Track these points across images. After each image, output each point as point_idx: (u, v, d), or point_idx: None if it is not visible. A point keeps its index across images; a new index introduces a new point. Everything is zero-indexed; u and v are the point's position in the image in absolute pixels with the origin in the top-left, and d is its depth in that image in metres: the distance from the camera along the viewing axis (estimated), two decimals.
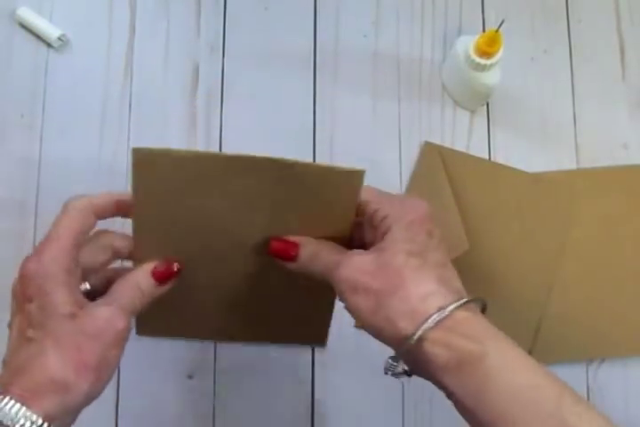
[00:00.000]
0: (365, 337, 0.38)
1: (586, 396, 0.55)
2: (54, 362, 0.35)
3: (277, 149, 0.58)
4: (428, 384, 0.39)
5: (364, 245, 0.40)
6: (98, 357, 0.37)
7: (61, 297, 0.37)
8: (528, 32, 0.62)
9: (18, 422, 0.33)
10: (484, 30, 0.61)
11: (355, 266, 0.37)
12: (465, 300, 0.36)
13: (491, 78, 0.56)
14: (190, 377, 0.54)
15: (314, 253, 0.40)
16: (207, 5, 0.61)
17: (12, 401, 0.34)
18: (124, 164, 0.57)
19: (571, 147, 0.60)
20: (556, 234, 0.57)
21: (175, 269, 0.41)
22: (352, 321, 0.45)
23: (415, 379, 0.40)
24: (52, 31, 0.58)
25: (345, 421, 0.54)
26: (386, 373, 0.39)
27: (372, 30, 0.61)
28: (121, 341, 0.38)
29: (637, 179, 0.59)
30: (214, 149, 0.58)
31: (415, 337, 0.35)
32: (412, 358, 0.38)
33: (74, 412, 0.37)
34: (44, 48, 0.59)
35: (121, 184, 0.57)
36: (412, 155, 0.59)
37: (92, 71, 0.59)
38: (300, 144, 0.58)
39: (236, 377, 0.55)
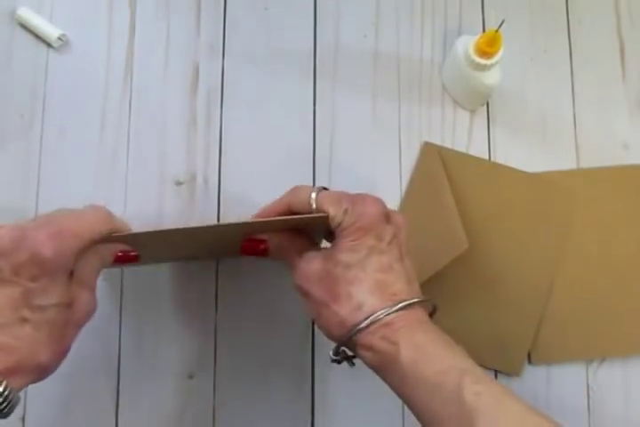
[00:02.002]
0: None
1: (586, 396, 0.56)
2: (44, 352, 0.38)
3: (277, 149, 0.58)
4: None
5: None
6: (73, 340, 0.40)
7: (65, 287, 0.39)
8: (528, 32, 0.62)
9: None
10: (484, 30, 0.61)
11: (304, 273, 0.42)
12: (393, 309, 0.39)
13: (491, 78, 0.56)
14: (190, 377, 0.54)
15: (279, 245, 0.44)
16: (207, 5, 0.61)
17: None
18: (124, 164, 0.57)
19: (571, 147, 0.60)
20: (556, 234, 0.57)
21: (134, 254, 0.45)
22: None
23: None
24: (52, 31, 0.58)
25: (345, 421, 0.54)
26: (332, 362, 0.43)
27: (372, 30, 0.61)
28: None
29: (637, 179, 0.59)
30: (214, 148, 0.58)
31: (340, 342, 0.40)
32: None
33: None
34: (44, 48, 0.59)
35: (120, 184, 0.57)
36: (412, 155, 0.59)
37: (91, 71, 0.59)
38: (300, 144, 0.58)
39: (236, 377, 0.55)
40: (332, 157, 0.58)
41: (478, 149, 0.59)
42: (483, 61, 0.54)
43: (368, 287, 0.40)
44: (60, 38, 0.58)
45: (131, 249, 0.44)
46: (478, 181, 0.58)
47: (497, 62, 0.54)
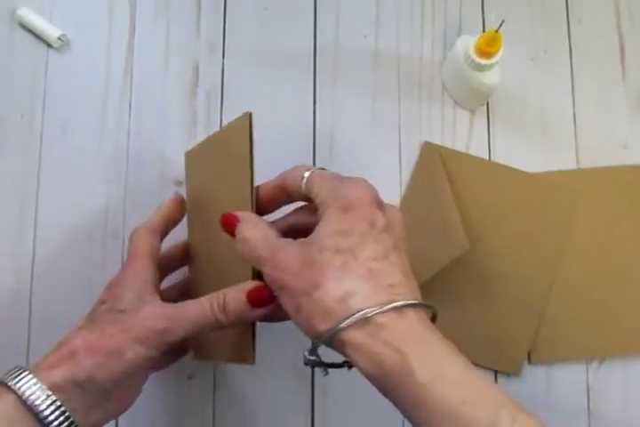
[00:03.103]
0: None
1: (586, 396, 0.56)
2: (77, 340, 0.39)
3: (277, 149, 0.58)
4: None
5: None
6: (113, 346, 0.38)
7: (126, 298, 0.40)
8: (528, 32, 0.62)
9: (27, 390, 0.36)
10: (484, 30, 0.61)
11: (278, 265, 0.36)
12: (392, 306, 0.33)
13: (491, 78, 0.56)
14: (190, 377, 0.54)
15: (244, 238, 0.38)
16: (207, 5, 0.61)
17: (26, 373, 0.37)
18: (124, 164, 0.57)
19: (571, 147, 0.60)
20: (556, 234, 0.57)
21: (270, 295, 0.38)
22: None
23: None
24: (51, 31, 0.58)
25: (345, 421, 0.54)
26: (305, 364, 0.37)
27: (372, 30, 0.61)
28: (150, 341, 0.38)
29: (637, 179, 0.59)
30: None
31: (322, 339, 0.34)
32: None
33: (81, 387, 0.38)
34: (43, 48, 0.59)
35: (120, 184, 0.57)
36: (411, 155, 0.59)
37: (91, 71, 0.59)
38: (300, 144, 0.58)
39: (236, 377, 0.55)
40: (332, 157, 0.58)
41: (478, 149, 0.59)
42: (483, 61, 0.54)
43: (360, 275, 0.34)
44: (59, 38, 0.58)
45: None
46: (478, 180, 0.58)
47: (497, 62, 0.54)
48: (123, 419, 0.54)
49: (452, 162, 0.58)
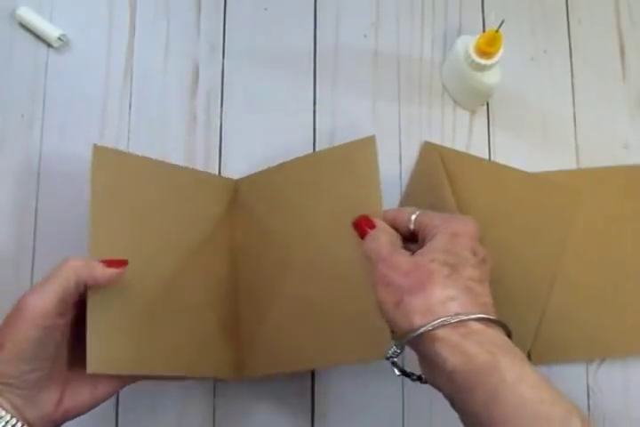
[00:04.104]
0: None
1: (586, 396, 0.56)
2: None
3: (277, 149, 0.58)
4: (428, 390, 0.40)
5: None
6: (10, 339, 0.39)
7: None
8: (528, 32, 0.62)
9: None
10: (484, 30, 0.61)
11: (392, 264, 0.41)
12: (486, 316, 0.38)
13: (491, 78, 0.56)
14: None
15: (376, 238, 0.44)
16: (207, 5, 0.61)
17: None
18: None
19: (571, 147, 0.60)
20: (555, 234, 0.57)
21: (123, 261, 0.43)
22: None
23: (416, 388, 0.41)
24: (51, 31, 0.58)
25: (345, 421, 0.54)
26: (387, 358, 0.41)
27: (372, 30, 0.61)
28: (34, 319, 0.40)
29: (637, 179, 0.59)
30: (214, 148, 0.58)
31: (421, 330, 0.37)
32: (421, 357, 0.40)
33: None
34: (43, 48, 0.59)
35: None
36: (411, 154, 0.59)
37: (92, 71, 0.59)
38: (300, 144, 0.58)
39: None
40: None
41: (478, 149, 0.59)
42: (483, 61, 0.54)
43: (461, 287, 0.39)
44: (60, 38, 0.58)
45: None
46: (478, 180, 0.58)
47: (497, 62, 0.54)
48: (123, 419, 0.54)
49: (451, 162, 0.58)
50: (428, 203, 0.56)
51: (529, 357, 0.55)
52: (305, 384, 0.55)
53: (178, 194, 0.51)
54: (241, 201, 0.54)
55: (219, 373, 0.50)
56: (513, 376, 0.35)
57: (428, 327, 0.37)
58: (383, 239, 0.44)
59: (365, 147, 0.48)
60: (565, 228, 0.57)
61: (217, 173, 0.57)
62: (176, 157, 0.57)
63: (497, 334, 0.38)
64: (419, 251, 0.41)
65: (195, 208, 0.52)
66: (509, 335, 0.39)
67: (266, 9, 0.61)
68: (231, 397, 0.54)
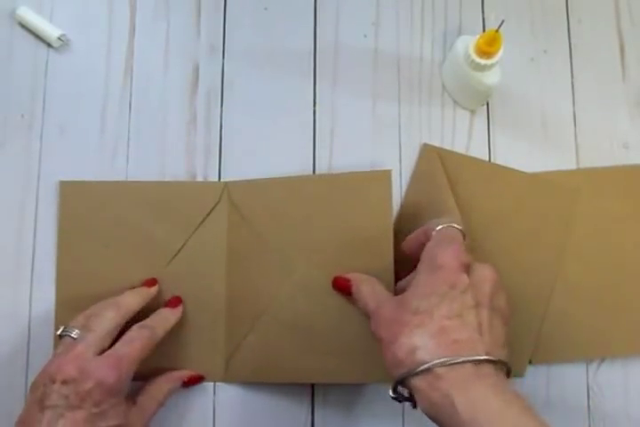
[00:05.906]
0: None
1: (586, 396, 0.56)
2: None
3: (277, 149, 0.58)
4: None
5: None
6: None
7: (122, 410, 0.46)
8: (528, 32, 0.62)
9: None
10: (484, 30, 0.61)
11: (379, 318, 0.44)
12: (449, 360, 0.39)
13: (491, 78, 0.56)
14: None
15: (359, 291, 0.48)
16: (207, 5, 0.61)
17: None
18: (124, 163, 0.57)
19: (571, 147, 0.60)
20: (556, 234, 0.57)
21: (199, 376, 0.53)
22: None
23: None
24: (52, 31, 0.58)
25: (345, 421, 0.54)
26: (392, 399, 0.43)
27: (372, 30, 0.61)
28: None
29: (637, 179, 0.59)
30: (214, 148, 0.58)
31: (396, 380, 0.41)
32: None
33: None
34: (44, 48, 0.59)
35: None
36: (411, 155, 0.59)
37: (92, 71, 0.59)
38: (300, 144, 0.58)
39: None
40: (332, 157, 0.58)
41: (478, 149, 0.59)
42: (483, 61, 0.54)
43: (430, 333, 0.40)
44: (59, 38, 0.58)
45: (197, 374, 0.53)
46: (478, 182, 0.57)
47: (497, 62, 0.54)
48: None
49: (451, 164, 0.57)
50: (428, 204, 0.56)
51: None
52: (305, 386, 0.55)
53: (157, 208, 0.55)
54: (235, 205, 0.55)
55: (207, 373, 0.53)
56: (469, 415, 0.37)
57: (402, 377, 0.40)
58: (364, 291, 0.48)
59: (380, 179, 0.51)
60: (565, 227, 0.57)
61: (217, 173, 0.57)
62: (176, 157, 0.57)
63: (457, 375, 0.39)
64: (401, 296, 0.44)
65: (178, 218, 0.55)
66: (508, 371, 0.42)
67: (266, 9, 0.61)
68: (231, 395, 0.54)
